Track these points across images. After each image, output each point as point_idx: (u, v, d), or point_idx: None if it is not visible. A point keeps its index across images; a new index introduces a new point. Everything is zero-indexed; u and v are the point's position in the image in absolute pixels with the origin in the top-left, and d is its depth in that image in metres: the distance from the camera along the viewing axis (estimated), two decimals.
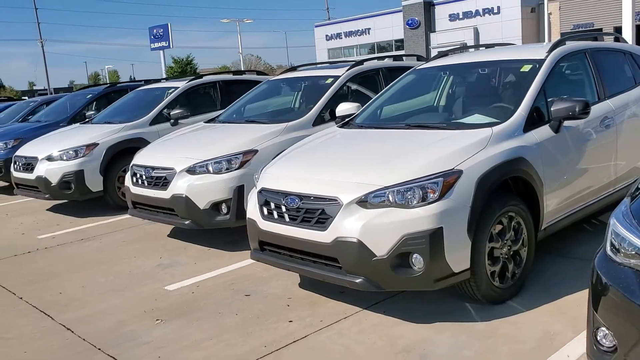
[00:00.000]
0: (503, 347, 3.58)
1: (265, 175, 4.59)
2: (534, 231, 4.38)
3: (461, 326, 3.91)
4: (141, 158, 6.51)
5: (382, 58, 7.10)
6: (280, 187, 4.32)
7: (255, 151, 5.87)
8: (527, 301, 4.19)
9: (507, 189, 4.22)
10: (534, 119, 4.50)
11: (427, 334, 3.84)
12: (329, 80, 6.89)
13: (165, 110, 8.76)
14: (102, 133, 8.27)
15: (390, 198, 3.79)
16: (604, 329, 2.55)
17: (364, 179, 3.94)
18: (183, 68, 60.52)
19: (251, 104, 7.64)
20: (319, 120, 6.45)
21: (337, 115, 6.35)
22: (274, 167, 4.70)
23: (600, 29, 43.86)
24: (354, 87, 7.05)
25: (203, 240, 6.38)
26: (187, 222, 5.88)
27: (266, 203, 4.39)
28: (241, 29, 55.04)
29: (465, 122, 4.70)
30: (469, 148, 4.07)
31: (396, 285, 3.89)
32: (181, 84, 9.23)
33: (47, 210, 8.90)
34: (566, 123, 4.59)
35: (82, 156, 7.93)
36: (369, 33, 57.79)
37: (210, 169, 5.78)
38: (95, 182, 8.00)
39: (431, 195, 3.75)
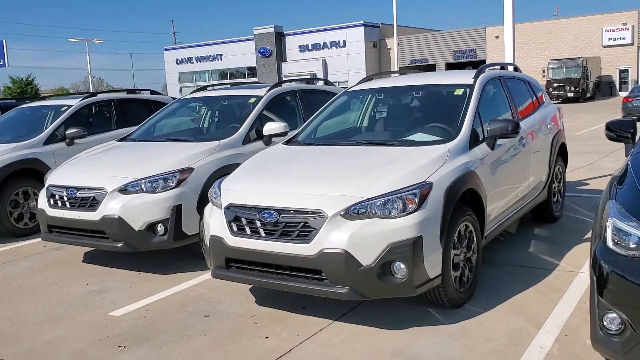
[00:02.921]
0: (481, 345, 3.87)
1: (230, 192, 4.53)
2: (480, 239, 4.79)
3: (433, 329, 4.15)
4: (60, 178, 6.02)
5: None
6: (254, 202, 4.29)
7: (192, 169, 5.72)
8: (481, 304, 4.54)
9: (462, 200, 4.58)
10: (474, 138, 4.94)
11: (406, 338, 4.02)
12: (252, 100, 6.91)
13: (59, 130, 8.18)
14: None
15: (373, 209, 3.96)
16: (611, 314, 2.91)
17: (345, 192, 4.07)
18: (23, 89, 56.20)
19: (166, 122, 7.41)
20: (247, 139, 6.45)
21: (264, 134, 6.47)
22: (237, 183, 4.65)
23: (434, 65, 48.38)
24: (274, 107, 7.12)
25: (126, 265, 6.04)
26: (119, 245, 5.55)
27: (236, 219, 4.34)
28: (87, 49, 52.43)
29: (414, 140, 5.01)
30: (433, 162, 4.38)
31: (381, 293, 4.04)
32: (75, 102, 8.69)
33: None
34: (497, 141, 5.11)
35: None
36: (220, 59, 57.81)
37: (145, 187, 5.54)
38: None
39: (410, 205, 3.98)
